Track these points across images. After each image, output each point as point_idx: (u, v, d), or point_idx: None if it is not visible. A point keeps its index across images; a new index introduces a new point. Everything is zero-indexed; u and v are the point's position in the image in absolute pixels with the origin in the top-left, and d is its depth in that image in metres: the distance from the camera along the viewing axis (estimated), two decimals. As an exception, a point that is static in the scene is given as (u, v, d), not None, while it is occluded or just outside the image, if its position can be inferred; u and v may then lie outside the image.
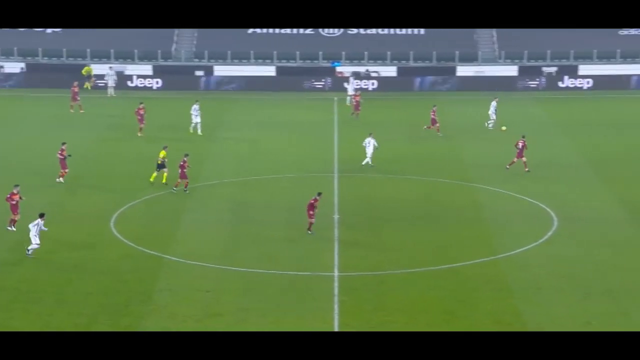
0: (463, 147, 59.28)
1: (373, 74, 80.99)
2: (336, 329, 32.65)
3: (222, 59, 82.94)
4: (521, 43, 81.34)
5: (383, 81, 79.75)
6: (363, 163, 53.46)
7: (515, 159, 52.34)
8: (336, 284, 36.71)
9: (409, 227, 43.55)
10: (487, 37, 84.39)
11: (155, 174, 49.40)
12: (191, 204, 47.34)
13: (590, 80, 78.66)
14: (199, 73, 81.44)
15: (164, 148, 49.80)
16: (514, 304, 34.75)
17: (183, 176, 48.25)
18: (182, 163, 48.21)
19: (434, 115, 61.58)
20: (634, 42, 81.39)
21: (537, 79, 79.04)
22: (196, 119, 61.68)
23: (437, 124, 61.41)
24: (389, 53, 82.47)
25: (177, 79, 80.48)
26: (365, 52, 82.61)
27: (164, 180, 49.09)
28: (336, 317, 33.68)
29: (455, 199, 48.11)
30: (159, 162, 49.28)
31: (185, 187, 48.47)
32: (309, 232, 41.95)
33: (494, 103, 63.67)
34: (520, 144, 52.36)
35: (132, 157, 56.88)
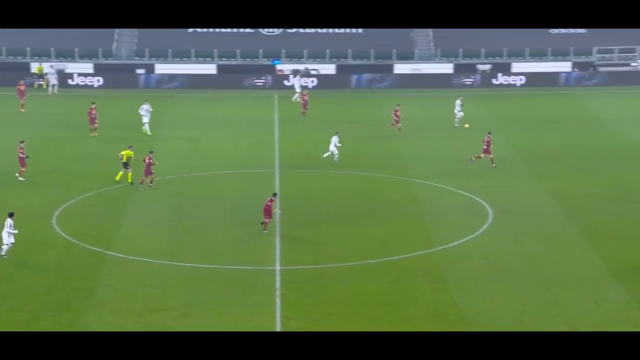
0: (401, 143, 59.54)
1: (313, 72, 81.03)
2: (278, 322, 32.59)
3: (163, 57, 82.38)
4: (456, 42, 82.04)
5: (323, 79, 79.81)
6: (324, 156, 53.50)
7: (482, 155, 52.46)
8: (278, 278, 36.66)
9: (349, 222, 43.64)
10: (423, 36, 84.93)
11: (121, 173, 48.83)
12: (134, 201, 46.93)
13: (522, 77, 79.59)
14: (140, 71, 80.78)
15: (129, 147, 49.15)
16: (451, 295, 34.99)
17: (148, 172, 47.80)
18: (147, 159, 47.78)
19: (396, 114, 61.00)
20: (563, 41, 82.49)
21: (472, 77, 79.76)
22: (145, 118, 60.93)
23: (399, 123, 60.81)
24: (328, 51, 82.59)
25: (118, 77, 79.70)
26: (305, 51, 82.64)
27: (129, 180, 48.52)
28: (278, 310, 33.63)
29: (393, 193, 48.32)
30: (124, 160, 48.62)
31: (151, 182, 48.12)
32: (264, 231, 41.47)
33: (458, 101, 63.59)
34: (486, 139, 52.51)
35: (75, 155, 56.24)
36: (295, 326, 32.25)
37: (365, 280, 36.53)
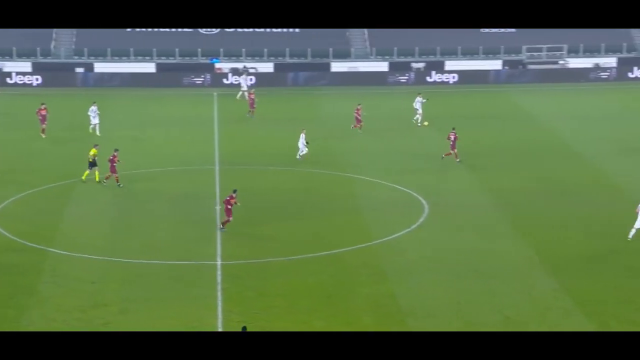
0: (339, 140, 59.74)
1: (251, 70, 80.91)
2: (220, 316, 32.55)
3: (102, 56, 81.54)
4: (391, 40, 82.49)
5: (261, 77, 79.70)
6: (302, 156, 53.15)
7: (451, 151, 52.68)
8: (219, 272, 36.60)
9: (289, 216, 43.70)
10: (359, 35, 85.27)
11: (87, 172, 48.19)
12: (75, 198, 46.47)
13: (455, 75, 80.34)
14: (79, 70, 79.88)
15: (95, 146, 48.50)
16: (389, 287, 35.26)
17: (113, 170, 47.28)
18: (111, 157, 47.41)
19: (358, 113, 60.78)
20: (494, 39, 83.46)
21: (407, 74, 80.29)
22: (94, 119, 59.99)
23: (361, 122, 60.47)
24: (265, 50, 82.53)
25: (57, 75, 78.71)
26: (243, 49, 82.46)
27: (97, 179, 47.89)
28: (220, 304, 33.59)
29: (332, 189, 48.51)
30: (90, 160, 47.98)
31: (117, 181, 47.66)
32: (222, 228, 41.03)
33: (418, 98, 63.61)
34: (452, 137, 52.63)
35: (16, 153, 55.47)
36: (237, 319, 32.23)
37: (305, 273, 36.65)
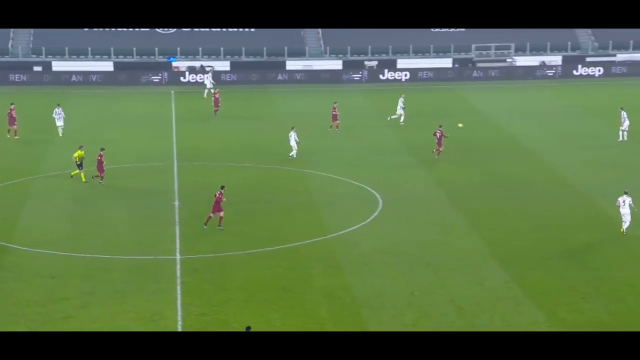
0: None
1: (208, 69, 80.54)
2: (179, 309, 32.34)
3: (59, 54, 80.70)
4: (344, 39, 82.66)
5: (217, 75, 79.28)
6: (292, 155, 52.61)
7: (441, 148, 52.60)
8: (178, 267, 36.38)
9: (246, 211, 43.54)
10: (313, 34, 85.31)
11: (77, 171, 47.51)
12: (34, 194, 45.92)
13: (407, 72, 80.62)
14: (37, 69, 78.94)
15: (80, 148, 47.72)
16: (345, 279, 35.27)
17: (101, 169, 46.86)
18: (98, 157, 46.86)
19: (335, 111, 60.14)
20: (444, 38, 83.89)
21: (360, 72, 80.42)
22: (59, 122, 58.83)
23: (337, 121, 59.82)
24: (222, 49, 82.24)
25: (14, 74, 77.67)
26: (200, 48, 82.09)
27: (83, 180, 47.16)
28: (179, 297, 33.39)
29: (289, 184, 48.44)
30: (77, 161, 47.26)
31: (101, 179, 47.08)
32: (205, 226, 40.63)
33: (401, 99, 63.48)
34: (438, 134, 52.55)
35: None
36: (196, 312, 32.08)
37: (263, 267, 36.55)
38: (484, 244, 39.04)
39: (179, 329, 30.72)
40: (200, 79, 78.92)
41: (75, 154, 47.52)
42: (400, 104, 63.14)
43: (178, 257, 37.53)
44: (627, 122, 56.60)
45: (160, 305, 32.65)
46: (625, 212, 39.52)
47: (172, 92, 75.26)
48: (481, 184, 48.23)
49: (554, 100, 71.17)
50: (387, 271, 36.07)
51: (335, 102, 60.97)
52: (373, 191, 46.70)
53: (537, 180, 48.97)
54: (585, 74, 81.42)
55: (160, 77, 78.90)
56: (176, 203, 44.30)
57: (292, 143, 52.60)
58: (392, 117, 62.15)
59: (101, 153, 47.29)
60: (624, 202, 39.56)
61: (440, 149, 52.54)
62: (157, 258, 37.40)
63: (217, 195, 40.36)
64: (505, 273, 35.76)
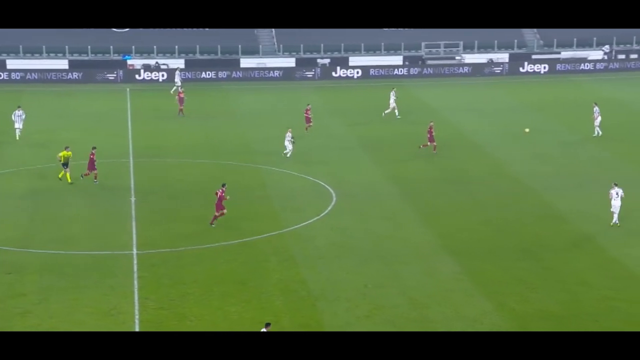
0: (249, 132, 59.54)
1: (163, 67, 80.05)
2: (136, 304, 32.12)
3: (14, 53, 79.65)
4: (297, 37, 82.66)
5: (172, 73, 78.79)
6: (287, 154, 51.95)
7: (429, 143, 52.79)
8: (135, 261, 36.14)
9: (203, 207, 43.31)
10: (266, 33, 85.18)
11: (63, 172, 46.51)
12: (-10, 192, 45.31)
13: (359, 70, 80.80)
14: (-8, 67, 77.93)
15: (66, 148, 46.79)
16: (300, 272, 35.29)
17: (92, 167, 46.03)
18: (91, 156, 46.07)
19: (308, 114, 59.15)
20: (395, 37, 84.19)
21: (313, 70, 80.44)
22: (18, 124, 57.58)
23: (311, 123, 58.80)
24: (176, 47, 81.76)
25: (-30, 72, 76.68)
26: (155, 46, 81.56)
27: (69, 181, 46.31)
28: (136, 292, 33.18)
29: (244, 179, 48.30)
30: (63, 162, 46.19)
31: (95, 178, 46.24)
32: (212, 225, 40.14)
33: (392, 92, 63.68)
34: (429, 129, 52.79)
35: None
36: (153, 306, 31.88)
37: (219, 261, 36.44)
38: (435, 237, 39.28)
39: (136, 323, 30.52)
40: (155, 76, 78.42)
41: (61, 154, 46.46)
42: (392, 97, 63.32)
43: (135, 252, 37.26)
44: (599, 118, 56.85)
45: (117, 299, 32.41)
46: (617, 204, 39.45)
47: (128, 89, 74.67)
48: (433, 179, 48.49)
49: (502, 97, 71.77)
50: (341, 264, 36.14)
51: (308, 104, 60.25)
52: (327, 186, 46.76)
53: (486, 174, 49.36)
54: (532, 70, 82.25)
55: (115, 75, 78.23)
56: (132, 199, 43.97)
57: (287, 142, 51.78)
58: (386, 112, 62.22)
59: (93, 151, 46.40)
60: (616, 194, 39.45)
61: (434, 144, 52.83)
62: (114, 253, 37.10)
63: (219, 193, 40.00)
64: (455, 265, 36.02)
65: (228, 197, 40.26)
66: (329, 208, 43.27)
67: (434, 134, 53.02)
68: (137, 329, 30.05)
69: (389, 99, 63.65)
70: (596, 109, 57.25)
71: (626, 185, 41.68)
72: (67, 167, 46.41)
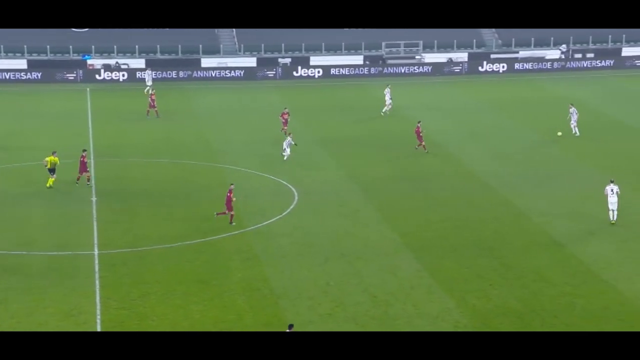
0: (210, 132, 59.32)
1: (123, 66, 79.48)
2: (98, 304, 31.89)
3: (-28, 52, 78.77)
4: (258, 37, 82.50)
5: (132, 73, 78.36)
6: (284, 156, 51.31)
7: (420, 142, 52.97)
8: (96, 262, 35.86)
9: (164, 206, 43.13)
10: (227, 33, 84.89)
11: (52, 180, 45.44)
12: (-52, 192, 44.67)
13: (320, 69, 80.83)
14: (-51, 66, 76.88)
15: (53, 154, 45.97)
16: (262, 271, 35.23)
17: (84, 170, 45.31)
18: (81, 158, 45.37)
19: (285, 117, 58.40)
20: (355, 37, 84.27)
21: (274, 69, 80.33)
22: None
23: (286, 127, 58.00)
24: (137, 46, 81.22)
25: None
26: (115, 46, 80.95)
27: (49, 184, 45.24)
28: (97, 291, 32.93)
29: (205, 179, 48.14)
30: (49, 167, 45.04)
31: (88, 180, 45.63)
32: (232, 224, 39.95)
33: (387, 90, 64.13)
34: (417, 129, 52.84)
35: None
36: (115, 306, 31.66)
37: (181, 260, 36.27)
38: (396, 234, 39.41)
39: (98, 323, 30.29)
40: (116, 76, 77.88)
41: (47, 159, 45.33)
42: (388, 95, 63.97)
43: (96, 252, 36.99)
44: (575, 117, 56.96)
45: (78, 299, 32.15)
46: (613, 200, 39.14)
47: (88, 89, 74.03)
48: (393, 177, 48.63)
49: (461, 96, 72.15)
50: (303, 262, 36.14)
51: (285, 108, 59.72)
52: (289, 185, 46.72)
53: (446, 173, 49.59)
54: (490, 70, 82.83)
55: (75, 75, 77.52)
56: (93, 199, 43.62)
57: (285, 146, 51.16)
58: (385, 109, 62.36)
59: (84, 154, 45.74)
60: (612, 190, 39.19)
61: (423, 143, 53.00)
62: (75, 254, 36.79)
63: (229, 194, 39.92)
64: (417, 262, 36.17)
65: (235, 199, 40.07)
66: (291, 207, 43.24)
67: (421, 133, 53.09)
68: (98, 329, 29.83)
69: (385, 96, 64.11)
70: (573, 109, 57.37)
71: (584, 182, 42.15)
72: (53, 173, 45.19)
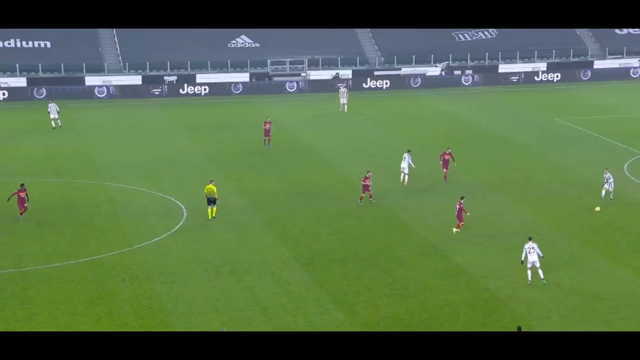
0: (95, 149, 58.15)
1: (3, 85, 77.26)
2: (-19, 326, 30.81)
3: None
4: (143, 54, 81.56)
5: (13, 91, 76.25)
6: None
7: (445, 170, 49.81)
8: (-20, 283, 34.65)
9: (48, 226, 42.04)
10: (111, 50, 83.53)
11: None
12: None
13: (207, 87, 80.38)
14: None
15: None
16: (152, 288, 34.73)
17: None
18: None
19: (267, 126, 58.02)
20: (240, 54, 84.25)
21: (160, 87, 79.47)
22: None
23: (269, 136, 57.94)
24: (17, 65, 79.13)
25: None
26: (-7, 64, 78.84)
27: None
28: (-19, 314, 31.82)
29: (91, 197, 47.18)
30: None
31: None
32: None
33: (343, 92, 71.06)
34: (446, 156, 49.60)
35: None
36: (1, 327, 30.61)
37: (67, 280, 35.44)
38: (286, 248, 39.42)
39: (-18, 347, 29.15)
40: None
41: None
42: (343, 96, 70.25)
43: (-21, 273, 35.76)
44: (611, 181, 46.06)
45: (-40, 323, 30.97)
46: (534, 259, 34.96)
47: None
48: (282, 191, 48.65)
49: (349, 111, 72.59)
50: (194, 279, 35.78)
51: (268, 117, 59.39)
52: (177, 202, 46.22)
53: (332, 186, 49.86)
54: (374, 86, 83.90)
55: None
56: (-27, 219, 42.22)
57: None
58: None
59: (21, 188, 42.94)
60: (532, 249, 35.18)
61: (445, 172, 49.67)
62: (-44, 276, 35.46)
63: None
64: (306, 275, 36.25)
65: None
66: (180, 223, 42.77)
67: (448, 159, 49.64)
68: (-18, 353, 28.72)
69: (340, 99, 70.36)
70: (608, 174, 46.07)
71: (466, 194, 43.02)
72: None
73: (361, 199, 45.30)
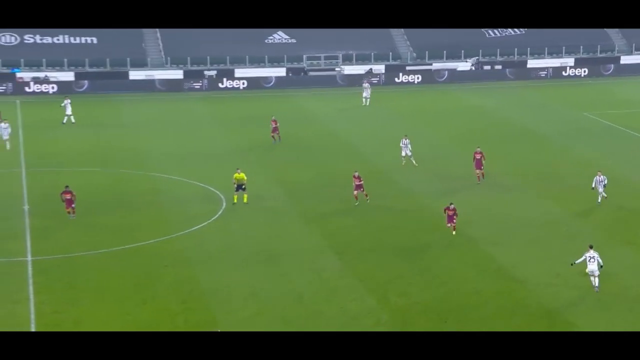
0: (139, 141, 58.76)
1: (52, 79, 78.16)
2: (32, 308, 31.39)
3: None
4: (184, 50, 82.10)
5: (62, 85, 77.14)
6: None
7: (478, 171, 47.99)
8: (30, 267, 35.30)
9: (96, 213, 42.62)
10: (154, 45, 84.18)
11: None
12: None
13: (245, 81, 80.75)
14: None
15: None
16: (193, 274, 35.12)
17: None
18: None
19: (275, 124, 58.09)
20: (278, 49, 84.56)
21: (200, 81, 79.97)
22: None
23: (277, 132, 58.03)
24: (66, 60, 80.00)
25: None
26: (44, 59, 79.60)
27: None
28: (31, 296, 32.43)
29: (138, 187, 47.72)
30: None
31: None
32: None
33: (367, 85, 71.48)
34: (478, 156, 48.13)
35: None
36: (49, 310, 31.22)
37: (113, 265, 35.94)
38: (320, 237, 39.62)
39: (32, 328, 29.79)
40: (45, 89, 76.58)
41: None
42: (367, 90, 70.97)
43: (29, 258, 36.41)
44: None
45: (12, 305, 31.64)
46: (594, 267, 33.14)
47: (18, 102, 72.61)
48: (315, 182, 48.82)
49: (379, 105, 72.70)
50: (233, 265, 36.14)
51: (273, 116, 59.39)
52: (217, 191, 46.61)
53: (365, 179, 49.78)
54: (406, 81, 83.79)
55: (4, 88, 75.98)
56: (25, 207, 42.89)
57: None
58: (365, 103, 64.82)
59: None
60: (592, 258, 33.02)
61: (482, 171, 47.76)
62: (8, 260, 36.12)
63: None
64: (339, 263, 36.45)
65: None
66: (219, 212, 43.15)
67: (482, 161, 47.98)
68: (33, 334, 29.33)
69: (363, 93, 70.71)
70: (601, 177, 43.97)
71: (493, 187, 42.87)
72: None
73: (356, 198, 44.51)
